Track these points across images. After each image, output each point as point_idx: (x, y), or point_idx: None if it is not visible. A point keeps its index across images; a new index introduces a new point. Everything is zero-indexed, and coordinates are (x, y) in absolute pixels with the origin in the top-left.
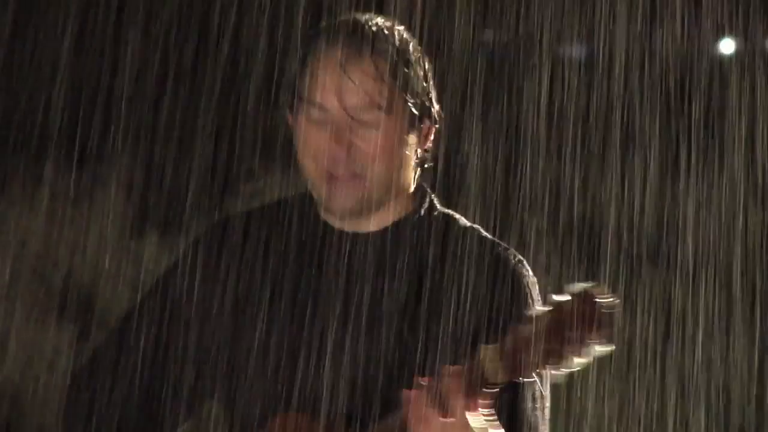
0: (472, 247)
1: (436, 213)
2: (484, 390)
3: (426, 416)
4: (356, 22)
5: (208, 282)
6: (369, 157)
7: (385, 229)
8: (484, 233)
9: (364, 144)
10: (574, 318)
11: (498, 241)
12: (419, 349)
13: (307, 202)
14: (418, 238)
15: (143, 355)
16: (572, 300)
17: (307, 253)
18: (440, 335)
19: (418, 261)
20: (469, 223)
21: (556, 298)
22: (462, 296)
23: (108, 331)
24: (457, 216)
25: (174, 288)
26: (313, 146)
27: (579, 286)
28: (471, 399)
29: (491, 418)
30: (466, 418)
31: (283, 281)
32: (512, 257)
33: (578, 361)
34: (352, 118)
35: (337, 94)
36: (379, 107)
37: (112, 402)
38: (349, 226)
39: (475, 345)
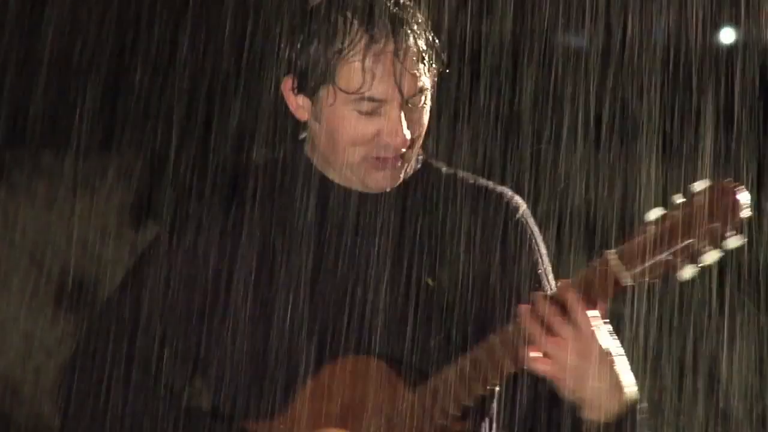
0: (469, 192)
1: (425, 165)
2: (612, 295)
3: (550, 328)
4: (380, 3)
5: (214, 246)
6: (415, 137)
7: (397, 186)
8: (471, 176)
9: (413, 126)
10: (707, 211)
11: (485, 180)
12: (447, 292)
13: (304, 163)
14: (424, 190)
15: (146, 320)
16: (703, 194)
17: (324, 213)
18: (462, 279)
19: (432, 212)
20: (446, 168)
21: (682, 197)
22: (475, 241)
23: (110, 295)
24: (438, 162)
25: (176, 251)
26: (363, 134)
27: (703, 182)
28: (598, 305)
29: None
30: (593, 328)
31: (306, 239)
32: (506, 193)
33: (712, 259)
34: (408, 105)
35: (397, 86)
36: (426, 89)
37: (112, 374)
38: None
39: (492, 283)
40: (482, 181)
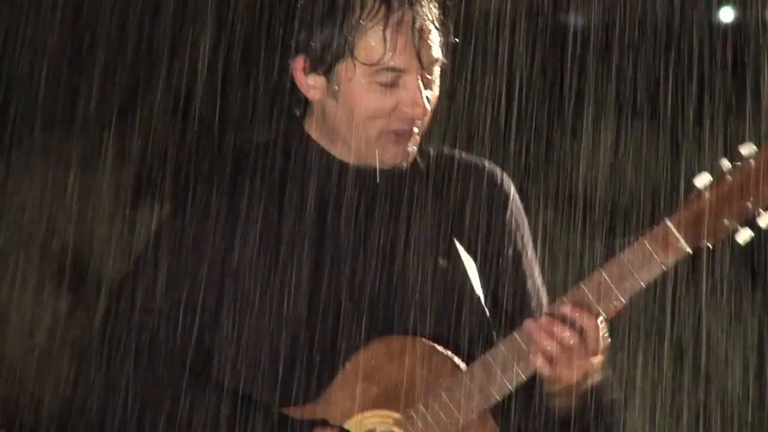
0: (463, 170)
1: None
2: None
3: (560, 341)
4: None
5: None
6: (430, 111)
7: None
8: (456, 152)
9: (430, 99)
10: (761, 174)
11: (469, 155)
12: (461, 268)
13: (308, 142)
14: (421, 170)
15: (165, 303)
16: (754, 157)
17: (332, 192)
18: (473, 258)
19: (434, 193)
20: (431, 147)
21: (729, 162)
22: (478, 220)
23: (122, 280)
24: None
25: (191, 233)
26: (382, 107)
27: (749, 145)
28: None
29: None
30: (598, 337)
31: (320, 219)
32: (496, 170)
33: (767, 221)
34: (426, 76)
35: (416, 56)
36: (440, 60)
37: (134, 357)
38: (371, 164)
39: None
40: (469, 157)
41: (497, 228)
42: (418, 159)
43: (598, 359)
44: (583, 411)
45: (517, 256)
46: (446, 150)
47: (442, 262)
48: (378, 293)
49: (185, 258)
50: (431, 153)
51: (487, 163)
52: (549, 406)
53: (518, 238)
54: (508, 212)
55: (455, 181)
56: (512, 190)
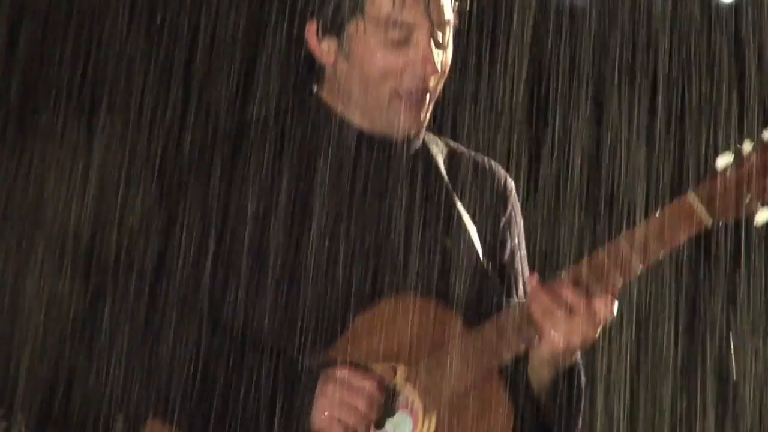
0: (472, 164)
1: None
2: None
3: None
4: None
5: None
6: (442, 73)
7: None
8: (464, 148)
9: (442, 60)
10: None
11: (477, 153)
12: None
13: (323, 109)
14: (433, 154)
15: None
16: None
17: (346, 156)
18: (476, 242)
19: (443, 176)
20: (440, 138)
21: (751, 142)
22: (482, 199)
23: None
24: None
25: (206, 196)
26: (393, 65)
27: None
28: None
29: None
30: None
31: (333, 182)
32: (501, 170)
33: None
34: (437, 35)
35: (426, 12)
36: (451, 22)
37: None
38: (387, 134)
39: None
40: (475, 153)
41: (497, 220)
42: (427, 139)
43: (598, 330)
44: (557, 387)
45: (512, 252)
46: (452, 143)
47: (448, 241)
48: (388, 257)
49: (202, 211)
50: (439, 142)
51: (493, 162)
52: (527, 380)
53: (514, 235)
54: (509, 208)
55: (462, 170)
56: (513, 190)
